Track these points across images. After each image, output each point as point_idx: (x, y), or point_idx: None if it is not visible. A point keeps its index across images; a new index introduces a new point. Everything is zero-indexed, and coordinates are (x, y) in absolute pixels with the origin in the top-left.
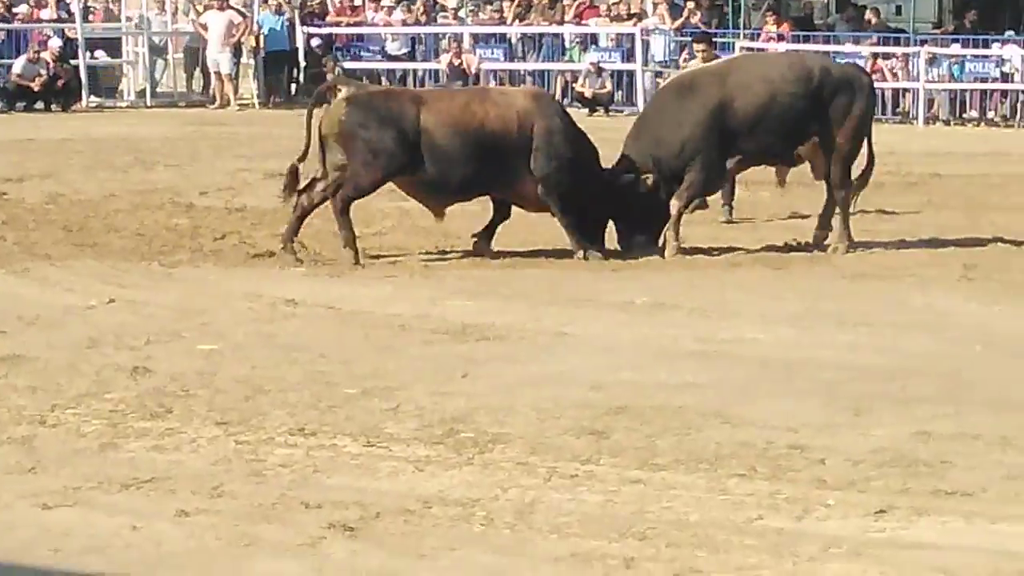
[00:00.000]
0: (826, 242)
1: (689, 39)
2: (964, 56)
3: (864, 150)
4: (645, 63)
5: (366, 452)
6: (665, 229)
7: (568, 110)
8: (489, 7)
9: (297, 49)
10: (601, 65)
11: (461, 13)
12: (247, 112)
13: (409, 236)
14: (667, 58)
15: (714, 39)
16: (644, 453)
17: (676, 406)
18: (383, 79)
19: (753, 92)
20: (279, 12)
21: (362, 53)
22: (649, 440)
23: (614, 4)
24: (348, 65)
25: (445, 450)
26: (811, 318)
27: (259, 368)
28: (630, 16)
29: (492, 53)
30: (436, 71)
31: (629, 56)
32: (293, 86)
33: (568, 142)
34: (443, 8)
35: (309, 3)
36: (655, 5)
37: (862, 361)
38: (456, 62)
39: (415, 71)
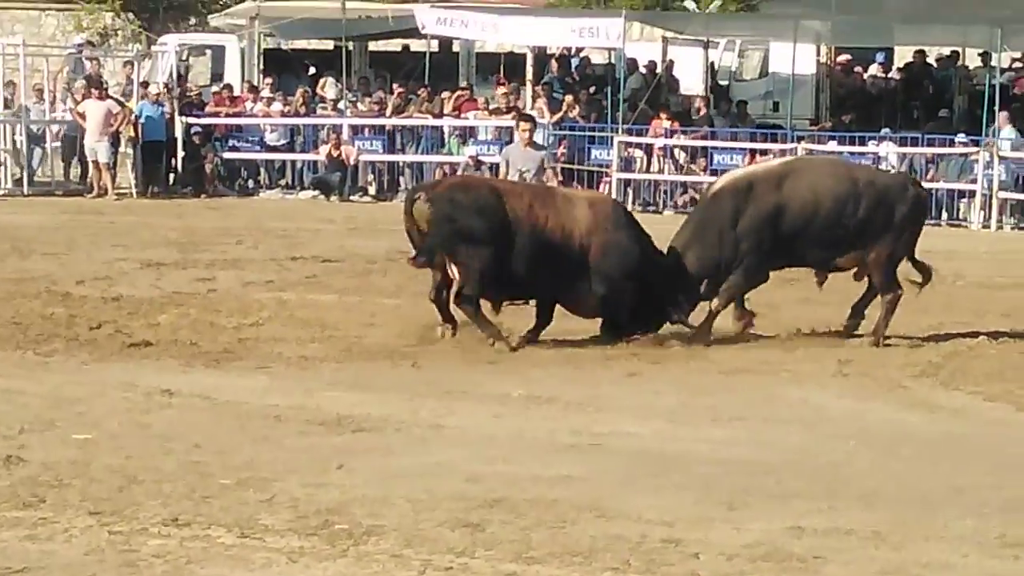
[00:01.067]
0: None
1: (570, 132)
2: (840, 153)
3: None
4: None
5: (240, 543)
6: (700, 325)
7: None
8: (368, 99)
9: (176, 139)
10: (480, 158)
11: (340, 105)
12: (125, 201)
13: (286, 327)
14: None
15: (536, 121)
16: (519, 546)
17: (551, 499)
18: (261, 170)
19: (802, 202)
20: (158, 102)
21: (240, 143)
22: (524, 533)
23: (493, 97)
24: (227, 155)
25: (319, 542)
26: (687, 412)
27: (133, 458)
28: (509, 110)
29: (371, 145)
30: (315, 162)
31: None
32: (171, 176)
33: (625, 257)
34: (322, 100)
35: (188, 93)
36: (534, 99)
37: (737, 455)
38: (335, 153)
39: (294, 162)
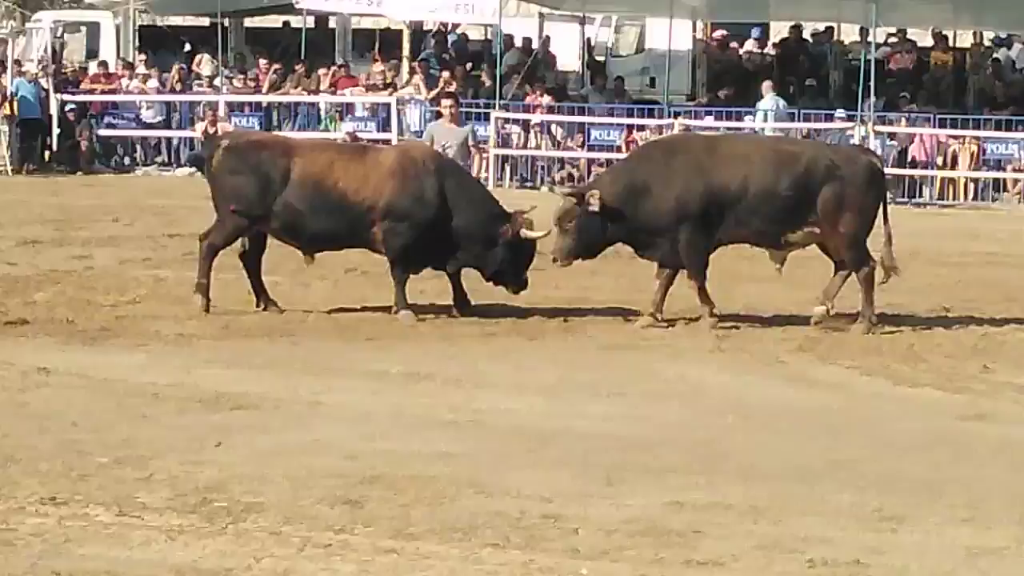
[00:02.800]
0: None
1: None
2: (717, 128)
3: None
4: (400, 132)
5: (118, 521)
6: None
7: None
8: (244, 76)
9: (51, 116)
10: (357, 135)
11: (216, 81)
12: (0, 179)
13: (163, 304)
14: (422, 128)
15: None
16: (398, 523)
17: (430, 475)
18: (138, 147)
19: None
20: (34, 79)
21: (117, 120)
22: (403, 510)
23: (370, 74)
24: (103, 132)
25: (198, 519)
26: (565, 388)
27: (10, 437)
28: (385, 86)
29: (247, 122)
30: (191, 139)
31: (385, 126)
32: (47, 153)
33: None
34: (198, 76)
35: (63, 70)
36: (410, 75)
37: (615, 431)
38: (211, 130)
39: (170, 139)
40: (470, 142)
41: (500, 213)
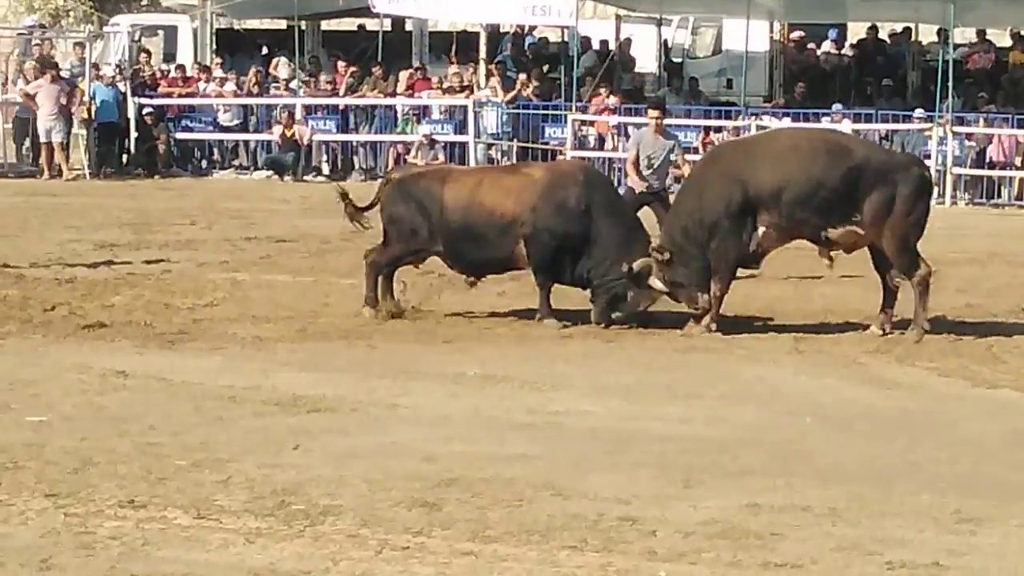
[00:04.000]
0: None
1: (523, 110)
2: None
3: None
4: (477, 135)
5: (196, 524)
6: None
7: None
8: (322, 78)
9: (129, 120)
10: (434, 137)
11: (293, 84)
12: (78, 183)
13: (240, 307)
14: (499, 130)
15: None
16: (475, 525)
17: (507, 478)
18: (215, 150)
19: (778, 163)
20: (111, 83)
21: (194, 124)
22: (480, 512)
23: (447, 76)
24: (180, 136)
25: (276, 522)
26: (642, 390)
27: (88, 440)
28: (462, 88)
29: (324, 124)
30: (269, 142)
31: (462, 128)
32: (125, 157)
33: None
34: (275, 79)
35: (141, 74)
36: (487, 77)
37: (693, 433)
38: (288, 133)
39: (247, 142)
40: (676, 153)
41: (638, 240)
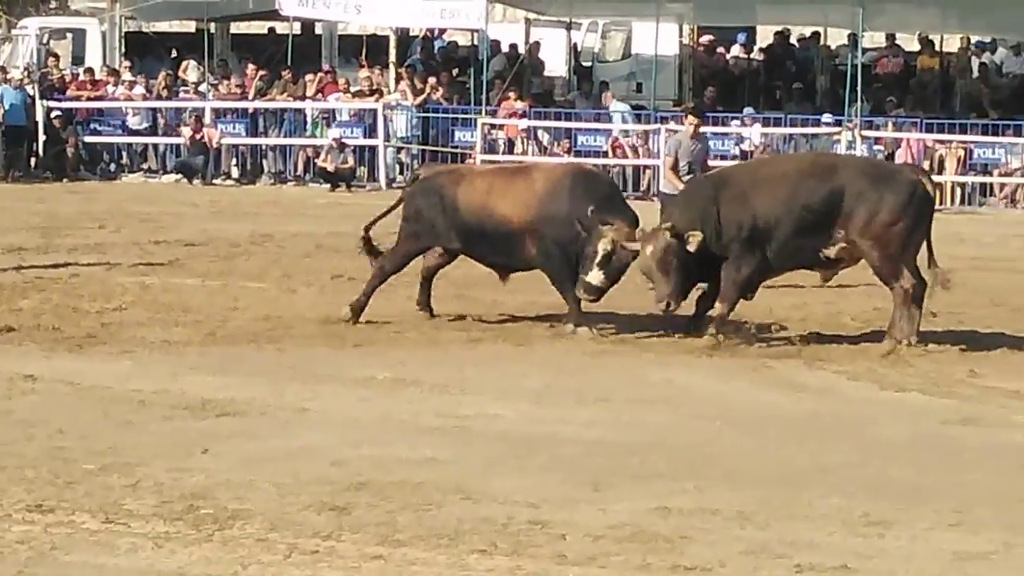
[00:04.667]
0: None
1: (433, 114)
2: (704, 133)
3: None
4: (387, 139)
5: (105, 528)
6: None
7: (310, 186)
8: (230, 82)
9: (37, 123)
10: (343, 140)
11: (202, 88)
12: None
13: (149, 311)
14: (409, 134)
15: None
16: (384, 529)
17: (416, 482)
18: (124, 153)
19: (771, 189)
20: (19, 86)
21: (102, 127)
22: (390, 516)
23: (356, 80)
24: (89, 139)
25: (184, 526)
26: (551, 394)
27: None
28: (372, 92)
29: (234, 128)
30: (177, 145)
31: (371, 132)
32: (33, 160)
33: None
34: (184, 83)
35: (49, 77)
36: (397, 81)
37: (602, 437)
38: (198, 136)
39: (156, 145)
40: (708, 157)
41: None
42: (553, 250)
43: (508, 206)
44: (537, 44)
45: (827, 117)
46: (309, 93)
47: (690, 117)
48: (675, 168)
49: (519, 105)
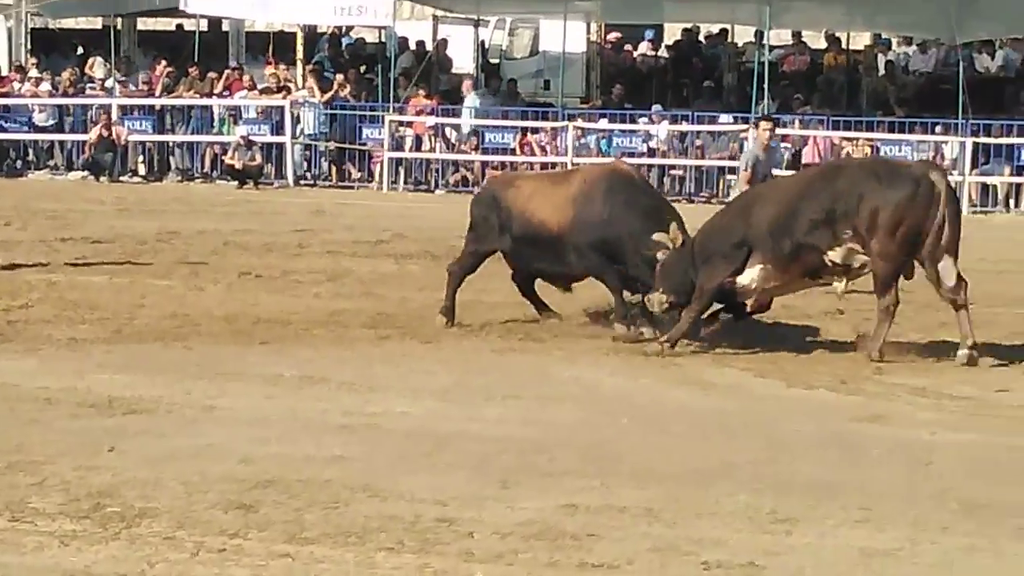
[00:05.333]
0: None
1: (341, 111)
2: (612, 131)
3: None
4: (295, 136)
5: (11, 527)
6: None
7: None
8: (138, 78)
9: None
10: (251, 138)
11: (108, 84)
12: None
13: (56, 309)
14: (317, 131)
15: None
16: (292, 527)
17: (324, 479)
18: (30, 150)
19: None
20: None
21: (8, 124)
22: (297, 514)
23: (263, 77)
24: None
25: (91, 524)
26: (459, 391)
27: None
28: (279, 89)
29: (141, 125)
30: (83, 142)
31: (279, 129)
32: None
33: None
34: (91, 79)
35: None
36: (304, 78)
37: (510, 434)
38: (105, 133)
39: (62, 143)
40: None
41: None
42: (586, 251)
43: (551, 211)
44: (444, 41)
45: (734, 115)
46: (216, 90)
47: (763, 124)
48: (751, 180)
49: (427, 103)
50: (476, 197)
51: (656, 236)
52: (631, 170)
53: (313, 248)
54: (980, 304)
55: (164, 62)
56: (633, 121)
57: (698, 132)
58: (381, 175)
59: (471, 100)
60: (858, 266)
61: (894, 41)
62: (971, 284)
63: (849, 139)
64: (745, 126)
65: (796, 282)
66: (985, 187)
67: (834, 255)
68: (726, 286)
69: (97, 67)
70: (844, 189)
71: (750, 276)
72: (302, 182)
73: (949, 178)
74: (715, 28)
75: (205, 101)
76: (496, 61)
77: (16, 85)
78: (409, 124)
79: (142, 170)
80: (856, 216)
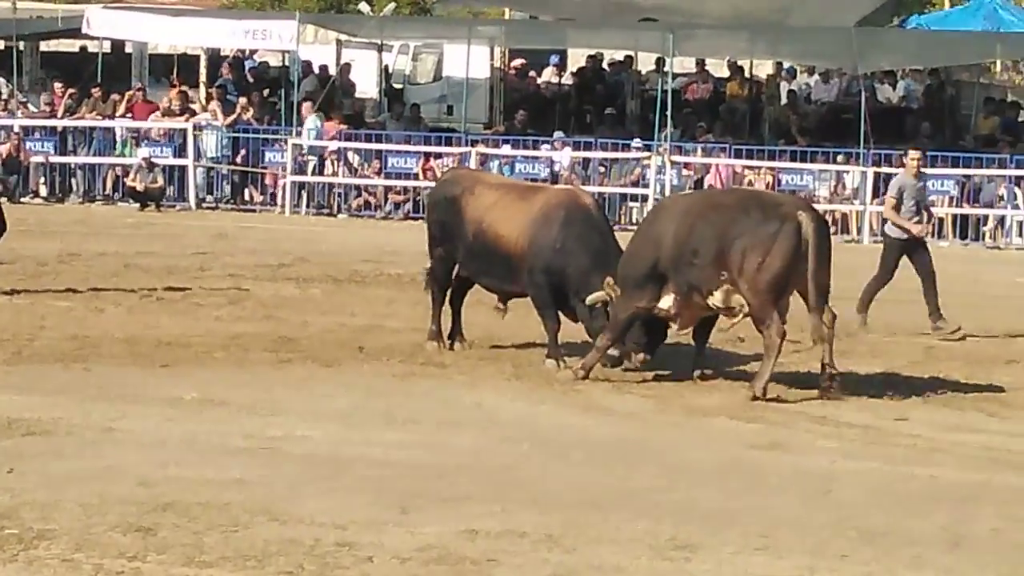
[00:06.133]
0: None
1: (244, 134)
2: (515, 157)
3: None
4: (197, 158)
5: None
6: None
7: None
8: (39, 99)
9: None
10: (153, 160)
11: (11, 105)
12: None
13: None
14: (219, 154)
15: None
16: (191, 550)
17: (223, 503)
18: None
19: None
20: None
21: None
22: (196, 537)
23: (166, 99)
24: None
25: None
26: (360, 415)
27: None
28: (182, 111)
29: (43, 146)
30: None
31: (181, 151)
32: None
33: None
34: None
35: None
36: (207, 100)
37: (410, 458)
38: (15, 155)
39: None
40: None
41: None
42: (538, 277)
43: (508, 228)
44: (348, 66)
45: (637, 142)
46: (119, 112)
47: (912, 153)
48: (898, 208)
49: (330, 126)
50: (431, 200)
51: (590, 298)
52: (590, 201)
53: (214, 271)
54: (879, 334)
55: (62, 84)
56: (536, 147)
57: (601, 159)
58: (283, 199)
59: (311, 122)
60: (738, 307)
61: (797, 70)
62: (871, 314)
63: (751, 167)
64: (648, 154)
65: (704, 311)
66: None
67: (714, 299)
68: (643, 313)
69: None
70: (721, 227)
71: (667, 303)
72: (204, 205)
73: (818, 215)
74: (619, 55)
75: (107, 123)
76: (400, 86)
77: None
78: (313, 148)
79: (44, 191)
80: (729, 256)
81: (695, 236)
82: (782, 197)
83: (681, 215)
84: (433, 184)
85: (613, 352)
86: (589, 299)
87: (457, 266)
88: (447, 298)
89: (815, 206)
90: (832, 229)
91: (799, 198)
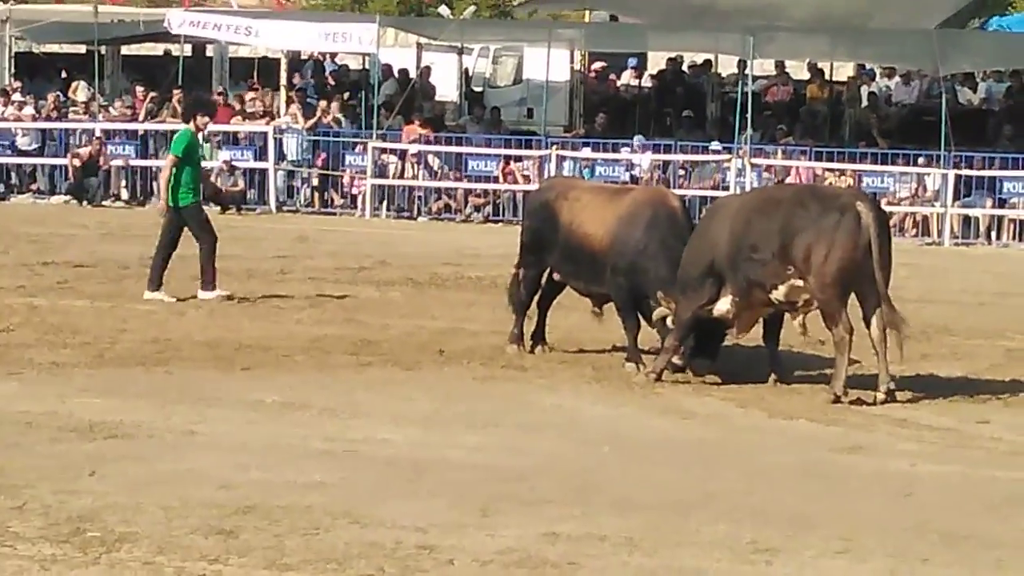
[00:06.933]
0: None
1: (324, 137)
2: (595, 160)
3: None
4: (278, 162)
5: None
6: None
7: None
8: (120, 103)
9: None
10: (234, 163)
11: (92, 108)
12: None
13: (37, 333)
14: (300, 157)
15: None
16: (272, 553)
17: (305, 505)
18: (12, 174)
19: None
20: None
21: None
22: (277, 540)
23: (248, 102)
24: None
25: (71, 549)
26: (440, 418)
27: None
28: (263, 115)
29: (124, 149)
30: (66, 167)
31: (262, 154)
32: None
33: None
34: (74, 103)
35: None
36: (287, 104)
37: (491, 462)
38: (96, 158)
39: (45, 167)
40: None
41: None
42: (621, 278)
43: (595, 228)
44: (428, 69)
45: (717, 144)
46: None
47: None
48: None
49: (421, 130)
50: (528, 207)
51: (655, 313)
52: (678, 203)
53: (295, 274)
54: (961, 336)
55: (143, 87)
56: (616, 150)
57: (681, 162)
58: (364, 202)
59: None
60: (801, 302)
61: (877, 72)
62: (952, 316)
63: (831, 170)
64: (728, 156)
65: (763, 310)
66: (967, 219)
67: (778, 293)
68: (703, 315)
69: (80, 90)
70: (784, 223)
71: (725, 305)
72: (284, 208)
73: (876, 204)
74: (699, 58)
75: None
76: (480, 89)
77: (0, 109)
78: (393, 152)
79: (125, 195)
80: (793, 251)
81: (752, 231)
82: (838, 189)
83: (736, 212)
84: (512, 187)
85: (676, 361)
86: (654, 315)
87: (550, 270)
88: (534, 302)
89: (898, 208)
90: (913, 232)
91: (855, 189)
